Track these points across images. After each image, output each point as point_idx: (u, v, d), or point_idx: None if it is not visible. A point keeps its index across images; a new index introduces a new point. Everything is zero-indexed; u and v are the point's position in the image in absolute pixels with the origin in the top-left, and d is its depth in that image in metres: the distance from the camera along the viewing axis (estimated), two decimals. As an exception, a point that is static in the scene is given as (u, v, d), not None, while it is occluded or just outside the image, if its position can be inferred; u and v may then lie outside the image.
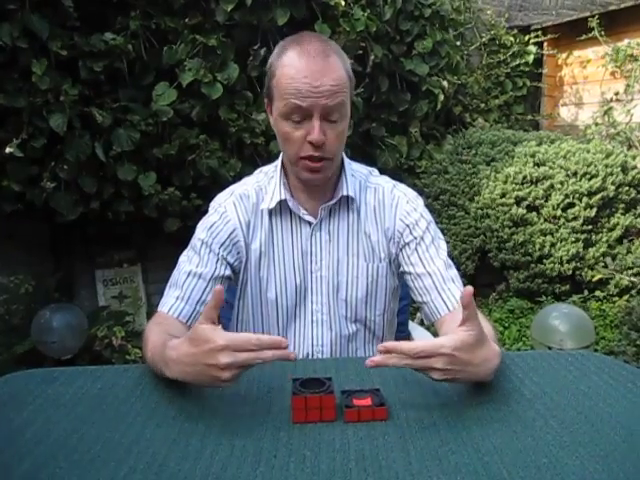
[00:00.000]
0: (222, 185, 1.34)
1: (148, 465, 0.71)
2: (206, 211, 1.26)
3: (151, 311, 3.40)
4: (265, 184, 1.24)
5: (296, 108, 1.07)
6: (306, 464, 0.71)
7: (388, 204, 1.24)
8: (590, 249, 3.35)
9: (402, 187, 1.28)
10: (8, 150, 2.56)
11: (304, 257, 1.23)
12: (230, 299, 1.37)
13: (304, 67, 1.06)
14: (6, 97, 2.55)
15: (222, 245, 1.19)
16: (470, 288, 0.84)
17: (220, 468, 0.70)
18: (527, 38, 4.89)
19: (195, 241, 1.20)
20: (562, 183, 3.37)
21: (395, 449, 0.74)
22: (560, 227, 3.35)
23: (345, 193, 1.20)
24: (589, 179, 3.36)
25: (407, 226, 1.22)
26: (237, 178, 1.35)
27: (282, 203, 1.20)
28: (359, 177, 1.26)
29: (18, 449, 0.75)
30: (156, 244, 3.31)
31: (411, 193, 1.28)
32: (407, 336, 1.61)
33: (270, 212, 1.22)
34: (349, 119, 1.15)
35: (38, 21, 2.51)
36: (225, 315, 1.53)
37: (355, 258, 1.23)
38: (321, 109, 1.07)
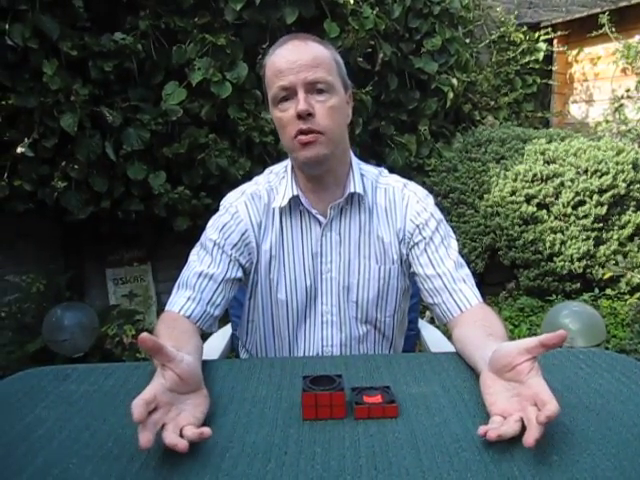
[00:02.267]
0: (231, 184, 1.34)
1: (160, 462, 0.71)
2: (216, 210, 1.25)
3: (161, 310, 3.39)
4: (276, 184, 1.23)
5: (281, 89, 1.09)
6: (316, 461, 0.71)
7: (399, 204, 1.23)
8: (601, 247, 3.33)
9: (412, 186, 1.27)
10: (20, 150, 2.58)
11: (314, 258, 1.22)
12: (240, 298, 1.37)
13: (284, 51, 1.11)
14: (17, 97, 2.57)
15: (234, 246, 1.18)
16: (564, 333, 0.75)
17: (231, 465, 0.71)
18: (537, 35, 4.87)
19: (206, 241, 1.19)
20: (572, 181, 3.35)
21: (405, 446, 0.74)
22: (570, 225, 3.33)
23: (352, 190, 1.19)
24: (600, 177, 3.34)
25: (417, 226, 1.21)
26: (246, 177, 1.35)
27: (293, 201, 1.19)
28: (370, 177, 1.25)
29: (31, 445, 0.76)
30: (166, 243, 3.33)
31: (421, 192, 1.26)
32: (417, 334, 1.60)
33: (281, 212, 1.21)
34: (342, 101, 1.15)
35: (49, 21, 2.53)
36: (235, 313, 1.54)
37: (366, 260, 1.23)
38: (302, 82, 1.08)
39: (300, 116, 1.08)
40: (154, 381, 0.78)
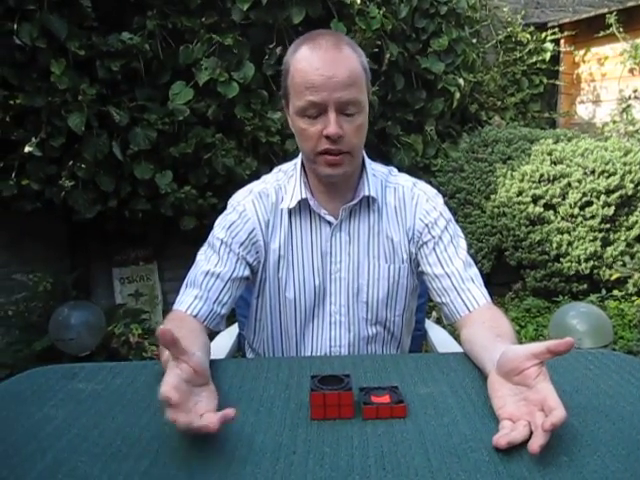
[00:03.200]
0: (238, 183, 1.34)
1: (168, 460, 0.71)
2: (222, 209, 1.25)
3: (167, 309, 3.42)
4: (285, 183, 1.23)
5: (311, 103, 1.06)
6: (325, 461, 0.71)
7: (408, 203, 1.22)
8: (608, 248, 3.32)
9: (422, 185, 1.27)
10: (27, 149, 2.60)
11: (323, 258, 1.22)
12: (247, 297, 1.37)
13: (316, 60, 1.06)
14: (25, 97, 2.58)
15: (241, 245, 1.18)
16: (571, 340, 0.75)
17: (239, 464, 0.70)
18: (544, 35, 4.86)
19: (214, 240, 1.19)
20: (580, 181, 3.34)
21: (414, 446, 0.74)
22: (577, 226, 3.32)
23: (367, 193, 1.18)
24: (607, 177, 3.33)
25: (426, 225, 1.20)
26: (253, 177, 1.35)
27: (302, 202, 1.19)
28: (380, 177, 1.24)
29: (40, 443, 0.76)
30: (172, 242, 3.33)
31: (431, 191, 1.26)
32: (423, 334, 1.60)
33: (290, 212, 1.20)
34: (367, 114, 1.13)
35: (57, 21, 2.54)
36: (242, 313, 1.54)
37: (376, 260, 1.22)
38: (336, 102, 1.05)
39: (329, 137, 1.07)
40: (170, 372, 0.78)
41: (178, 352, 0.79)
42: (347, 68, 1.06)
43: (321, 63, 1.05)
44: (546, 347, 0.76)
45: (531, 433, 0.72)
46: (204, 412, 0.75)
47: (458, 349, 1.19)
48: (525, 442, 0.71)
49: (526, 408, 0.76)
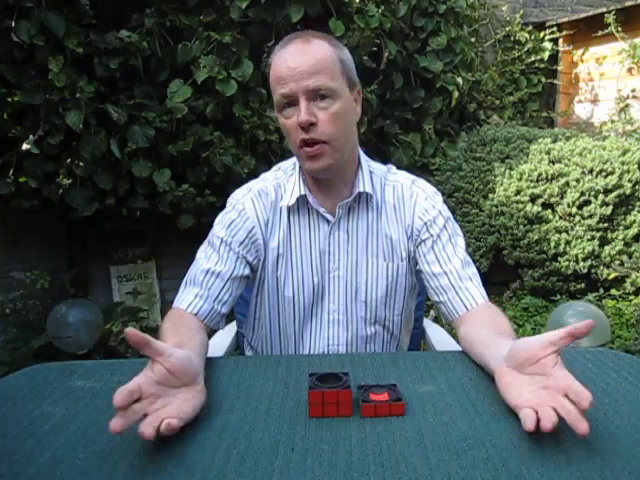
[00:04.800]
0: (236, 182, 1.34)
1: (167, 457, 0.71)
2: (220, 207, 1.25)
3: (165, 307, 3.42)
4: (284, 181, 1.23)
5: (282, 96, 1.08)
6: (323, 458, 0.71)
7: (407, 201, 1.22)
8: (606, 247, 3.32)
9: (421, 183, 1.27)
10: (25, 147, 2.59)
11: (322, 257, 1.22)
12: (246, 295, 1.37)
13: (285, 55, 1.08)
14: (23, 94, 2.58)
15: (241, 244, 1.18)
16: (590, 322, 0.74)
17: (238, 461, 0.70)
18: (542, 35, 4.86)
19: (213, 238, 1.19)
20: (578, 180, 3.34)
21: (413, 444, 0.74)
22: (575, 225, 3.32)
23: (362, 189, 1.18)
24: (605, 176, 3.33)
25: (425, 223, 1.20)
26: (251, 175, 1.35)
27: (301, 199, 1.19)
28: (378, 174, 1.24)
29: (38, 440, 0.76)
30: (170, 241, 3.33)
31: (430, 189, 1.26)
32: (422, 333, 1.60)
33: (289, 210, 1.20)
34: (349, 103, 1.13)
35: (54, 18, 2.53)
36: (240, 311, 1.54)
37: (374, 258, 1.22)
38: (303, 90, 1.06)
39: (302, 127, 1.07)
40: (142, 373, 0.78)
41: (153, 353, 0.78)
42: (313, 57, 1.07)
43: (289, 57, 1.07)
44: (566, 332, 0.75)
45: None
46: (167, 416, 0.73)
47: (456, 347, 1.19)
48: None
49: (548, 396, 0.74)
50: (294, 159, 1.25)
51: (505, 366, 0.83)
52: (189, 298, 1.12)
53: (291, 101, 1.08)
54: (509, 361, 0.82)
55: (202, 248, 1.20)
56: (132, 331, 0.75)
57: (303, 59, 1.06)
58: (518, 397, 0.77)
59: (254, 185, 1.25)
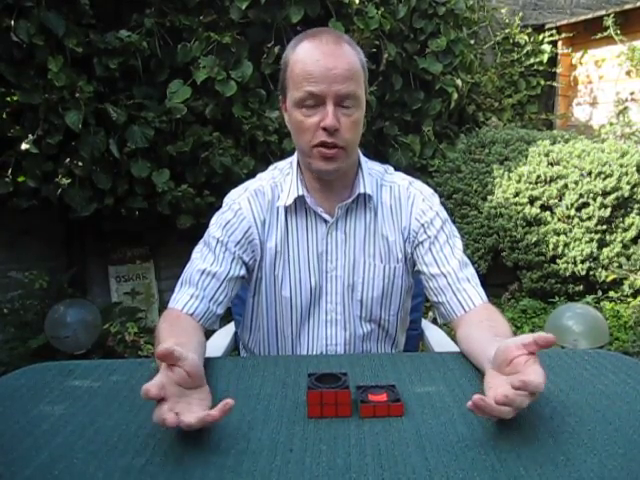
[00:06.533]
0: (235, 182, 1.33)
1: (165, 457, 0.71)
2: (219, 208, 1.24)
3: (163, 308, 3.41)
4: (281, 181, 1.22)
5: (310, 94, 1.06)
6: (322, 459, 0.71)
7: (404, 203, 1.22)
8: (604, 249, 3.33)
9: (418, 184, 1.27)
10: (24, 146, 2.59)
11: (319, 257, 1.21)
12: (243, 296, 1.37)
13: (317, 52, 1.07)
14: (22, 94, 2.58)
15: (237, 244, 1.18)
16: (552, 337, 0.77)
17: (236, 461, 0.70)
18: (541, 37, 4.87)
19: (209, 239, 1.18)
20: (576, 183, 3.35)
21: (411, 445, 0.74)
22: (574, 227, 3.33)
23: (362, 191, 1.18)
24: (604, 179, 3.33)
25: (422, 225, 1.20)
26: (250, 175, 1.34)
27: (299, 200, 1.19)
28: (375, 175, 1.24)
29: (36, 440, 0.76)
30: (169, 241, 3.33)
31: (427, 190, 1.26)
32: (420, 334, 1.60)
33: (286, 210, 1.20)
34: (364, 111, 1.13)
35: (54, 18, 2.53)
36: (237, 312, 1.54)
37: (371, 259, 1.22)
38: (334, 94, 1.06)
39: (326, 129, 1.07)
40: (161, 373, 0.78)
41: (174, 361, 0.79)
42: (347, 62, 1.07)
43: (321, 55, 1.06)
44: (533, 338, 0.77)
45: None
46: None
47: (455, 349, 1.19)
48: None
49: (507, 385, 0.76)
50: (290, 159, 1.25)
51: (489, 368, 0.85)
52: (185, 299, 1.12)
53: (316, 100, 1.07)
54: (492, 363, 0.84)
55: (198, 248, 1.20)
56: (163, 350, 0.76)
57: (338, 62, 1.06)
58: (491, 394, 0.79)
59: (250, 185, 1.24)
